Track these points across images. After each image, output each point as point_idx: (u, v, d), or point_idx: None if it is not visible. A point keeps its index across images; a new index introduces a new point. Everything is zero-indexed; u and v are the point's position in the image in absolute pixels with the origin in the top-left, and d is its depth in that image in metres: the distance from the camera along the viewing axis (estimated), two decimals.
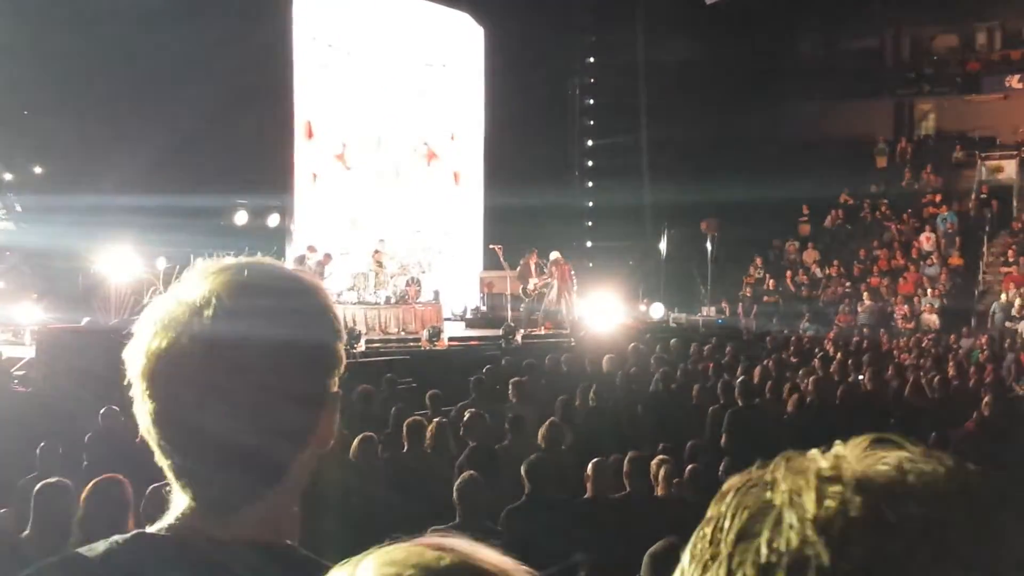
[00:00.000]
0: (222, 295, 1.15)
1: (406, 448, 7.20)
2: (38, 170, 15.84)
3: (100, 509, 4.41)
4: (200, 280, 1.18)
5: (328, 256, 16.58)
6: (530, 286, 18.02)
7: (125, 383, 1.17)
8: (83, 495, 4.56)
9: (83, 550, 1.18)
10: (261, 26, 17.12)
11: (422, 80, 21.54)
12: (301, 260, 15.95)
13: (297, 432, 1.19)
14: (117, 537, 1.18)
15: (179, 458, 1.16)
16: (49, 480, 4.95)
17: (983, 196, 25.85)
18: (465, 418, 8.09)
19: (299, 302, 1.21)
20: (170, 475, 1.17)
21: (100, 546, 1.17)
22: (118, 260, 14.85)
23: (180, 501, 1.18)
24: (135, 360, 1.16)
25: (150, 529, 1.19)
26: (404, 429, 7.22)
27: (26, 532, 4.77)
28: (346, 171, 20.15)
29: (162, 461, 1.17)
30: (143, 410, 1.16)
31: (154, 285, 13.05)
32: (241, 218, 17.94)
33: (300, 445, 1.20)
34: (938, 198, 26.44)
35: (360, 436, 7.01)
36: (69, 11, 14.40)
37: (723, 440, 8.03)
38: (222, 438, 1.13)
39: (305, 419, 1.20)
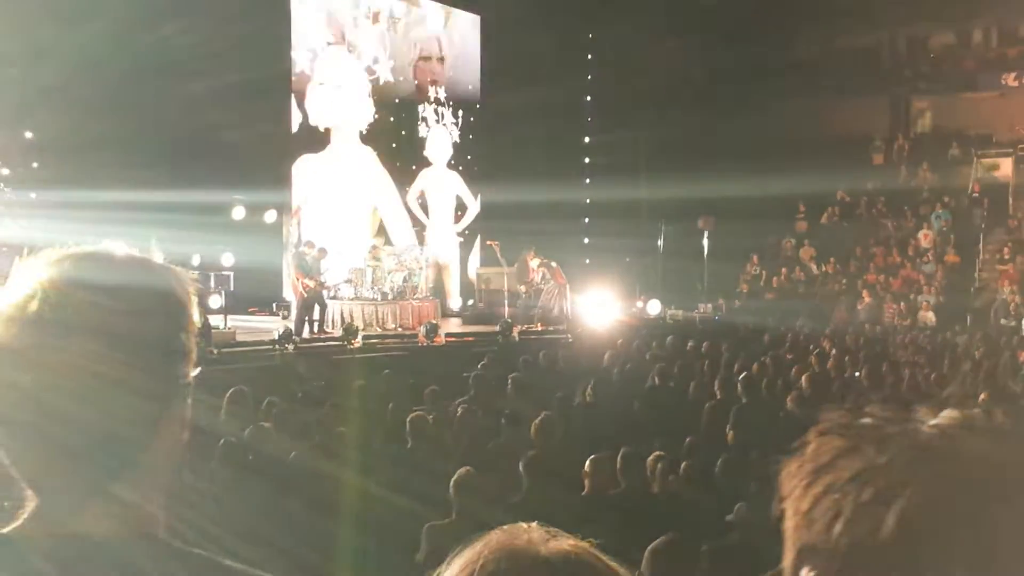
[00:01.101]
0: (48, 287, 1.12)
1: (403, 444, 7.20)
2: (34, 165, 15.81)
3: None
4: (31, 272, 1.15)
5: (323, 251, 16.59)
6: (528, 278, 18.04)
7: None
8: None
9: None
10: (260, 21, 17.08)
11: (420, 76, 21.53)
12: (300, 257, 15.94)
13: (138, 426, 1.15)
14: None
15: (16, 456, 1.12)
16: None
17: (978, 194, 25.86)
18: (459, 414, 8.10)
19: (139, 289, 1.17)
20: (14, 473, 1.14)
21: None
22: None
23: (31, 501, 1.15)
24: None
25: (2, 531, 1.16)
26: (407, 425, 7.22)
27: None
28: (340, 167, 20.12)
29: (4, 459, 1.13)
30: None
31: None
32: (238, 214, 17.92)
33: (144, 439, 1.17)
34: (935, 195, 26.46)
35: (356, 431, 7.04)
36: (68, 6, 14.38)
37: (730, 436, 8.02)
38: (55, 434, 1.10)
39: (145, 412, 1.16)
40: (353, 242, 18.59)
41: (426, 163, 22.24)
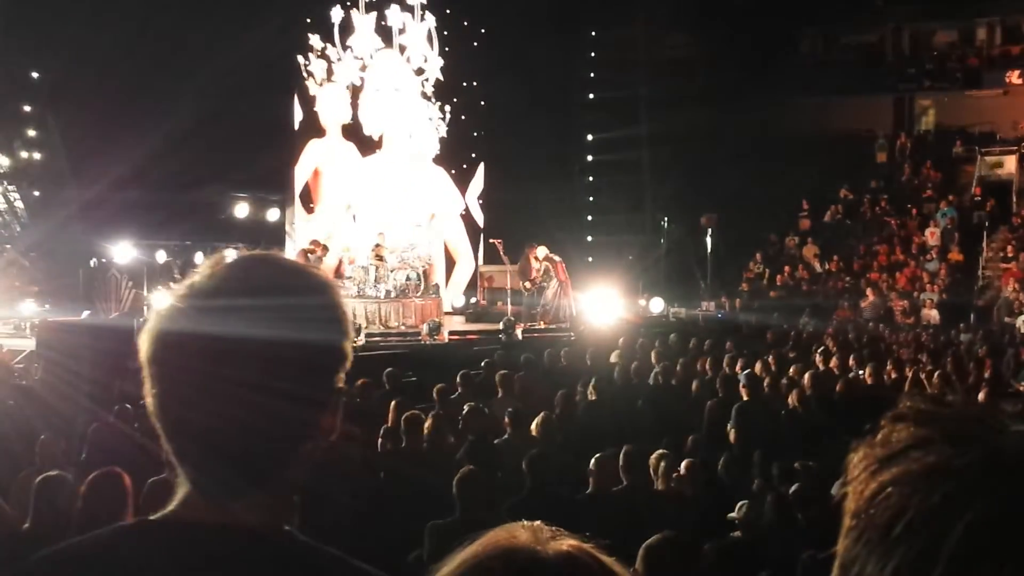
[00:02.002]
0: (228, 287, 1.18)
1: (405, 442, 7.20)
2: (38, 162, 15.84)
3: (98, 503, 4.42)
4: (209, 272, 1.21)
5: (325, 248, 16.59)
6: (526, 283, 18.03)
7: (127, 373, 1.19)
8: (82, 488, 4.56)
9: (82, 539, 1.20)
10: (263, 20, 17.08)
11: (422, 73, 21.50)
12: (304, 256, 15.94)
13: (296, 429, 1.20)
14: (121, 524, 1.22)
15: (178, 444, 1.18)
16: (49, 473, 4.96)
17: (980, 197, 25.78)
18: (464, 412, 8.10)
19: (304, 299, 1.22)
20: (173, 459, 1.19)
21: (102, 533, 1.20)
22: (119, 254, 14.85)
23: (182, 487, 1.20)
24: (144, 345, 1.18)
25: (153, 516, 1.21)
26: (403, 423, 7.22)
27: (26, 525, 4.79)
28: (344, 167, 20.10)
29: (166, 445, 1.19)
30: (149, 395, 1.18)
31: (164, 275, 13.05)
32: (241, 211, 17.94)
33: (299, 441, 1.21)
34: (938, 193, 26.45)
35: (360, 430, 7.03)
36: (72, 5, 14.40)
37: (732, 435, 8.02)
38: (219, 430, 1.14)
39: (305, 416, 1.20)
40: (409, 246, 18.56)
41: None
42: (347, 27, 19.58)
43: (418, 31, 20.74)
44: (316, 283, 1.26)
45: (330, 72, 19.55)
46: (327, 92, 19.51)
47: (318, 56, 19.22)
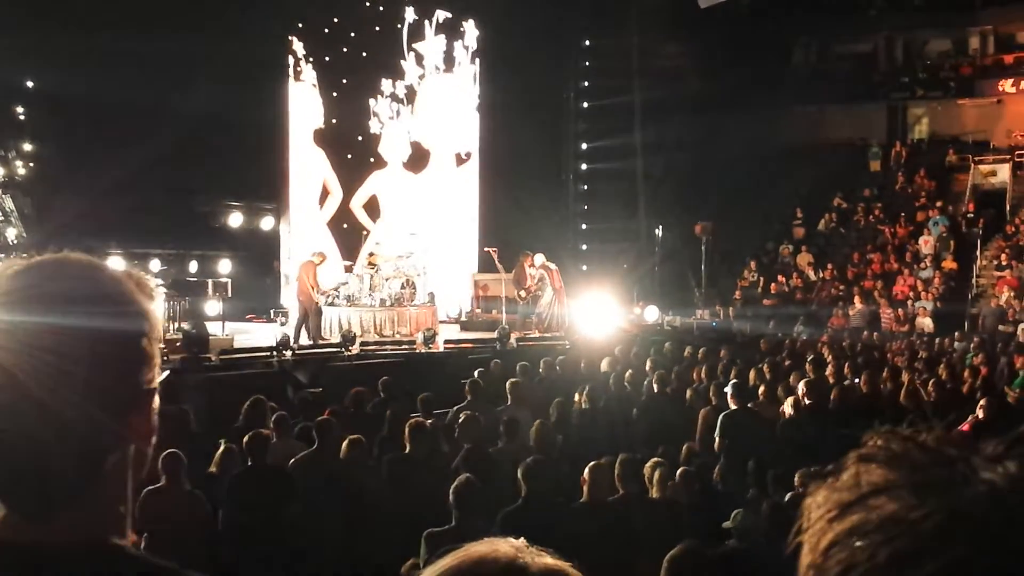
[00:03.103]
0: (11, 290, 1.12)
1: (402, 450, 7.20)
2: (32, 170, 15.81)
3: None
4: None
5: (324, 256, 16.58)
6: (521, 291, 18.04)
7: None
8: None
9: None
10: (256, 28, 17.10)
11: (416, 82, 21.54)
12: (310, 266, 15.93)
13: (100, 434, 1.13)
14: None
15: None
16: None
17: (975, 201, 25.87)
18: (460, 420, 8.10)
19: (97, 297, 1.15)
20: None
21: None
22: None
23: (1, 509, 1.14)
24: None
25: None
26: (405, 431, 7.22)
27: None
28: (340, 175, 20.11)
29: None
30: None
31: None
32: (235, 220, 17.93)
33: (107, 447, 1.15)
34: (932, 202, 26.53)
35: (350, 439, 7.04)
36: (64, 12, 14.40)
37: (716, 443, 8.04)
38: (16, 443, 1.08)
39: (108, 419, 1.13)
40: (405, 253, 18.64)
41: (379, 163, 21.07)
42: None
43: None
44: (107, 281, 1.18)
45: (398, 112, 19.76)
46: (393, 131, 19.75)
47: (387, 96, 19.47)
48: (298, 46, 19.19)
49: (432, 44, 21.83)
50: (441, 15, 21.83)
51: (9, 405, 1.08)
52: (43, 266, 1.17)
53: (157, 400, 1.21)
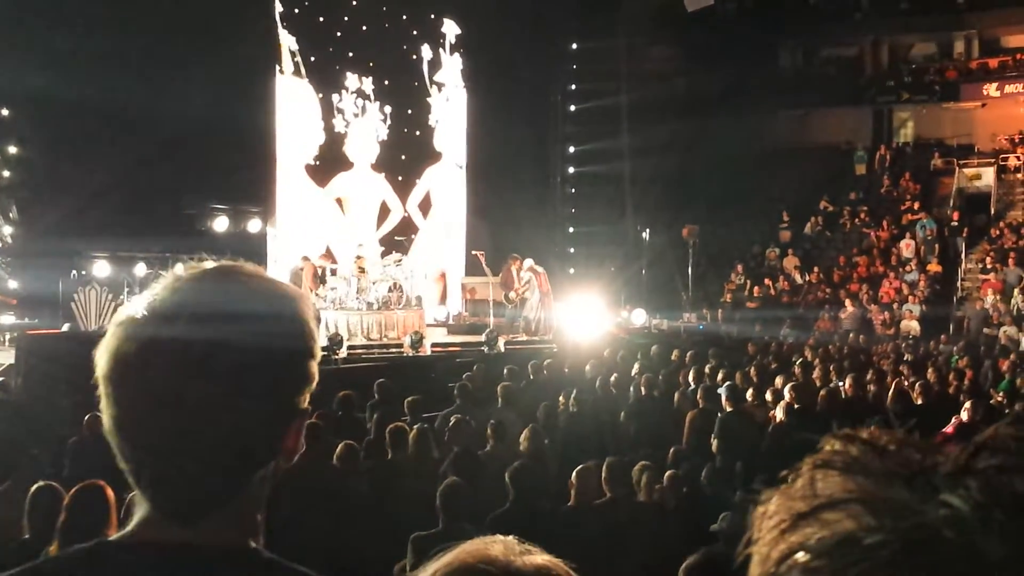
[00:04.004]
0: (190, 302, 1.14)
1: (389, 455, 7.19)
2: (14, 173, 15.72)
3: (81, 516, 4.39)
4: (172, 285, 1.17)
5: (307, 259, 16.55)
6: (510, 294, 18.04)
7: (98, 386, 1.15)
8: (65, 501, 4.54)
9: (46, 560, 1.18)
10: (244, 31, 17.06)
11: (404, 86, 21.52)
12: (296, 272, 15.88)
13: (258, 449, 1.18)
14: (81, 545, 1.17)
15: (136, 463, 1.14)
16: (41, 484, 4.95)
17: (957, 222, 25.92)
18: (450, 424, 8.09)
19: (272, 314, 1.19)
20: (131, 480, 1.16)
21: (64, 555, 1.17)
22: (98, 267, 14.76)
23: (142, 507, 1.17)
24: (101, 362, 1.14)
25: (113, 537, 1.18)
26: (387, 436, 7.20)
27: (26, 536, 4.79)
28: (336, 178, 20.08)
29: (123, 465, 1.15)
30: (106, 413, 1.15)
31: (130, 289, 12.97)
32: (221, 224, 17.86)
33: (261, 461, 1.19)
34: (917, 205, 26.68)
35: (342, 443, 7.00)
36: (52, 13, 14.34)
37: (715, 446, 8.04)
38: (178, 449, 1.11)
39: (268, 434, 1.18)
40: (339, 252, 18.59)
41: (345, 163, 20.60)
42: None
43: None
44: (284, 298, 1.22)
45: (364, 109, 19.85)
46: (359, 129, 19.72)
47: (352, 92, 19.43)
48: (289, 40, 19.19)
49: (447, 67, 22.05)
50: (425, 19, 21.85)
51: (187, 411, 1.11)
52: (220, 278, 1.21)
53: (305, 419, 1.24)
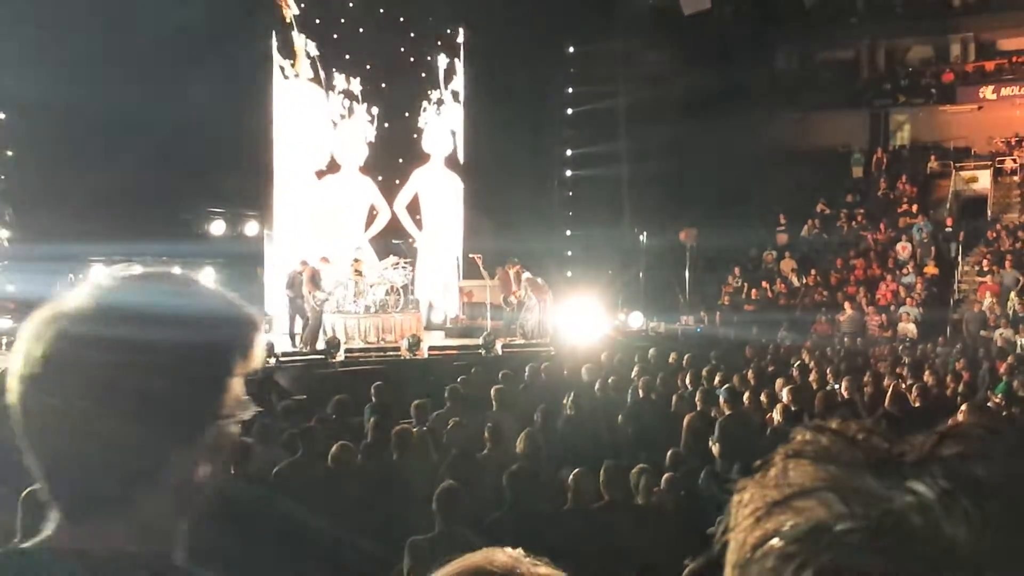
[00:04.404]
0: (95, 307, 1.14)
1: (386, 457, 7.17)
2: (8, 177, 15.70)
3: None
4: (81, 291, 1.16)
5: (305, 263, 16.53)
6: (510, 298, 18.05)
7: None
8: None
9: None
10: (240, 34, 17.05)
11: (402, 90, 21.51)
12: (294, 275, 15.85)
13: (165, 453, 1.15)
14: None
15: (44, 469, 1.13)
16: (32, 488, 4.92)
17: (951, 228, 25.97)
18: (448, 426, 8.08)
19: (183, 311, 1.17)
20: (42, 485, 1.15)
21: None
22: (94, 271, 14.73)
23: (54, 514, 1.16)
24: (11, 366, 1.13)
25: (24, 544, 1.17)
26: (392, 438, 7.19)
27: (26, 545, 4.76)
28: (323, 181, 20.04)
29: (34, 470, 1.14)
30: (14, 420, 1.13)
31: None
32: (218, 228, 17.84)
33: (163, 462, 1.16)
34: (914, 208, 26.72)
35: (338, 445, 6.99)
36: (50, 12, 14.32)
37: (716, 450, 8.03)
38: (81, 455, 1.10)
39: (178, 440, 1.16)
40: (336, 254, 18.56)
41: (334, 166, 20.41)
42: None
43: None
44: (198, 296, 1.21)
45: (351, 111, 19.84)
46: (346, 131, 19.69)
47: (340, 92, 19.44)
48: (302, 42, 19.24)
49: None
50: (423, 24, 21.87)
51: (90, 418, 1.10)
52: (149, 279, 1.20)
53: (228, 424, 1.21)
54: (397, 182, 21.36)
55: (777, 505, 0.65)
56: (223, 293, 1.25)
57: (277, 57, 18.93)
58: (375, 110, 20.75)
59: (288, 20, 18.98)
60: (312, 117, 19.58)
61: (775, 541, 0.63)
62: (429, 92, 21.79)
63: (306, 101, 19.49)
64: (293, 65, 18.98)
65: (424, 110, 21.64)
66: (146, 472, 1.15)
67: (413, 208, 21.50)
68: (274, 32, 18.75)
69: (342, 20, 20.21)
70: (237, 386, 1.20)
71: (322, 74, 19.60)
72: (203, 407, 1.18)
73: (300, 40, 19.10)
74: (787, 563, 0.62)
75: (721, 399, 8.94)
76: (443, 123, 22.03)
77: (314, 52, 19.31)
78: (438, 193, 22.04)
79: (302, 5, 19.17)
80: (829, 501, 0.63)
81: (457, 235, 22.37)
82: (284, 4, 18.82)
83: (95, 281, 1.17)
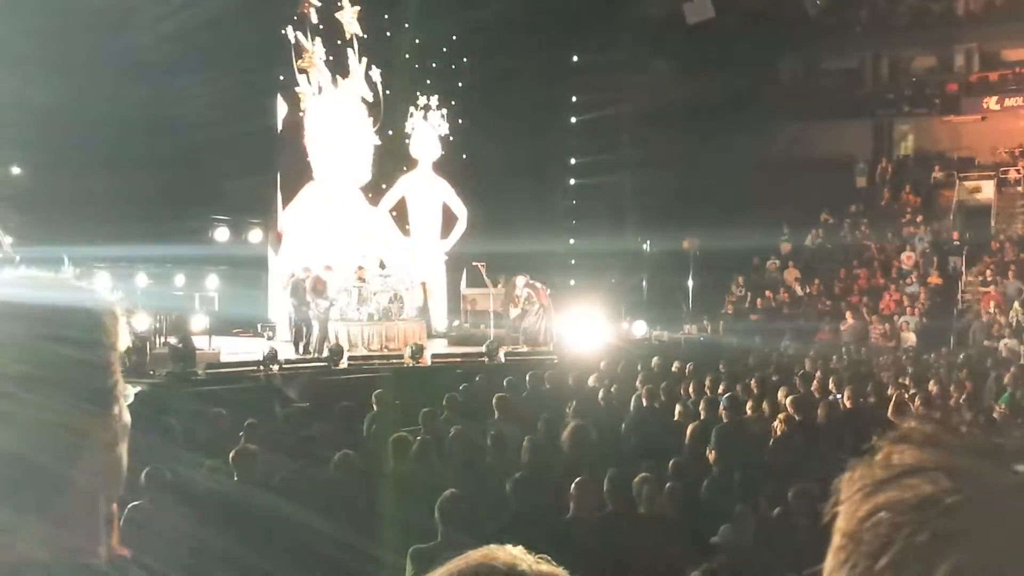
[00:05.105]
0: None
1: (388, 464, 7.18)
2: (18, 176, 15.75)
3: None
4: None
5: (308, 270, 16.56)
6: (513, 313, 18.08)
7: None
8: None
9: None
10: (247, 42, 17.08)
11: (397, 96, 21.54)
12: (298, 283, 15.87)
13: (57, 447, 1.12)
14: None
15: None
16: None
17: (958, 242, 25.94)
18: (450, 434, 8.08)
19: (57, 322, 1.15)
20: None
21: None
22: (99, 277, 14.76)
23: None
24: None
25: None
26: (389, 445, 7.20)
27: None
28: (328, 189, 20.05)
29: None
30: None
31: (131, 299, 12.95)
32: (222, 235, 17.88)
33: (71, 459, 1.13)
34: (918, 218, 26.71)
35: (340, 453, 7.00)
36: (55, 24, 14.38)
37: (712, 457, 8.02)
38: None
39: (65, 433, 1.13)
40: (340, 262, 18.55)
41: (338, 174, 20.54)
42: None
43: None
44: (56, 294, 1.19)
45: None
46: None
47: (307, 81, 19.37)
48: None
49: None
50: (427, 34, 21.93)
51: None
52: (7, 284, 1.18)
53: (119, 410, 1.19)
54: (384, 186, 21.35)
55: (885, 483, 0.71)
56: (78, 285, 1.24)
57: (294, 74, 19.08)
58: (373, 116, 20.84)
59: (314, 21, 19.12)
60: (320, 124, 19.62)
61: (884, 513, 0.69)
62: (417, 97, 21.77)
63: (318, 109, 19.55)
64: (305, 65, 19.02)
65: (411, 115, 21.63)
66: (57, 468, 1.12)
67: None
68: (290, 33, 18.81)
69: (342, 26, 20.24)
70: (114, 367, 1.19)
71: (338, 81, 19.68)
72: (90, 387, 1.15)
73: (317, 48, 19.19)
74: (899, 530, 0.67)
75: (721, 407, 8.94)
76: (430, 128, 22.02)
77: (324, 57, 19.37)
78: (425, 198, 22.01)
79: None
80: (937, 478, 0.69)
81: (441, 239, 22.25)
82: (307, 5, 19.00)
83: None
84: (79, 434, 1.14)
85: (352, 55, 20.08)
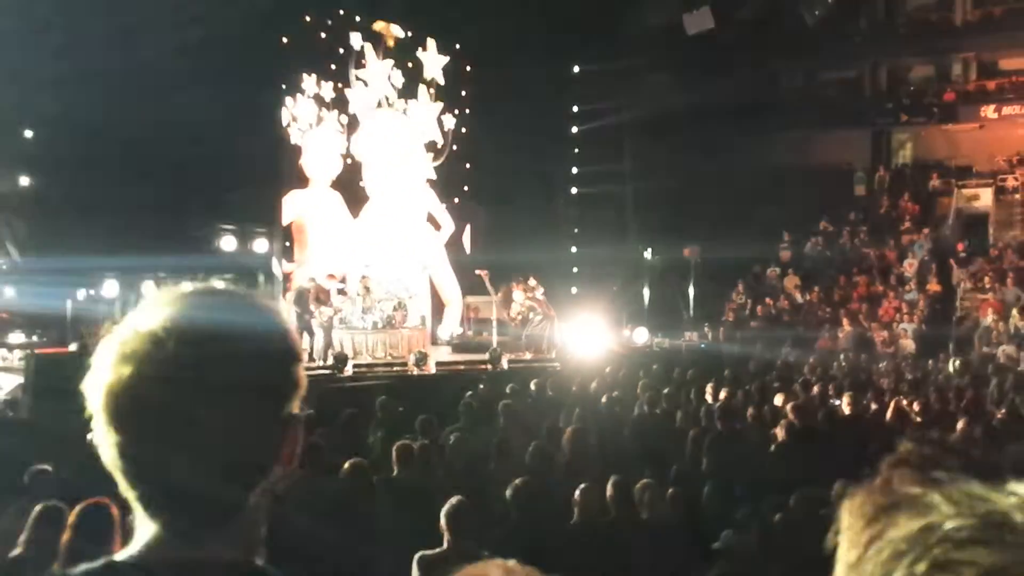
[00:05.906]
0: (179, 324, 1.16)
1: (394, 472, 7.25)
2: (26, 186, 15.84)
3: (86, 533, 4.45)
4: (157, 309, 1.19)
5: (313, 279, 16.66)
6: (512, 312, 18.16)
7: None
8: (70, 519, 4.61)
9: None
10: (250, 53, 17.18)
11: (408, 107, 21.67)
12: (302, 291, 15.96)
13: (259, 457, 1.20)
14: (90, 565, 1.18)
15: (145, 488, 1.16)
16: (48, 503, 5.03)
17: (964, 253, 26.01)
18: (451, 441, 8.16)
19: (257, 327, 1.22)
20: (136, 504, 1.18)
21: (76, 574, 1.16)
22: (107, 285, 14.86)
23: (146, 527, 1.18)
24: (95, 393, 1.16)
25: (121, 556, 1.19)
26: (393, 453, 7.27)
27: (17, 551, 4.86)
28: (330, 198, 20.17)
29: (127, 491, 1.17)
30: (106, 442, 1.15)
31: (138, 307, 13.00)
32: (228, 243, 17.96)
33: (263, 470, 1.21)
34: (917, 226, 26.80)
35: (349, 461, 7.06)
36: (61, 34, 14.47)
37: (704, 464, 8.13)
38: (186, 468, 1.13)
39: (267, 444, 1.20)
40: (345, 270, 18.68)
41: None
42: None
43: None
44: (263, 311, 1.25)
45: (320, 119, 19.73)
46: (316, 141, 19.66)
47: (310, 97, 19.45)
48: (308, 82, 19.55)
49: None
50: (429, 42, 22.07)
51: (188, 431, 1.14)
52: (200, 297, 1.24)
53: (301, 430, 1.26)
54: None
55: (887, 508, 0.71)
56: (261, 297, 1.29)
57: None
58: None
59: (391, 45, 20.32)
60: (324, 134, 19.79)
61: (888, 539, 0.69)
62: (406, 102, 21.92)
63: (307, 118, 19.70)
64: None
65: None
66: (249, 478, 1.20)
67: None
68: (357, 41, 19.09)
69: (342, 35, 20.39)
70: (302, 381, 1.27)
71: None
72: (285, 405, 1.23)
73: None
74: (901, 559, 0.67)
75: (715, 416, 9.03)
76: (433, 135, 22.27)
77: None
78: (412, 209, 22.13)
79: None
80: (936, 503, 0.69)
81: (430, 243, 22.32)
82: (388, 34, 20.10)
83: (160, 299, 1.21)
84: (273, 452, 1.22)
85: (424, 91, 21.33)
